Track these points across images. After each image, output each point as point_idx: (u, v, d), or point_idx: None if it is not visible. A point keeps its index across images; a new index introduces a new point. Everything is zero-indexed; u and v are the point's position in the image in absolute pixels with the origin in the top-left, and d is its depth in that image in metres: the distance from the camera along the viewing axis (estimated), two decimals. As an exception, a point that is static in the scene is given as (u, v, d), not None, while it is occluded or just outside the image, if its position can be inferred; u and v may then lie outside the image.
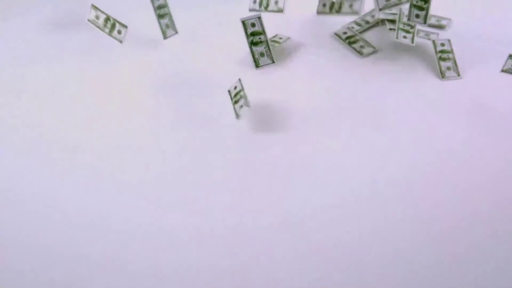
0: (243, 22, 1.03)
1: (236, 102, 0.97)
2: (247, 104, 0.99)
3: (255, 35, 1.05)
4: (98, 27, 1.02)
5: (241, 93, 0.98)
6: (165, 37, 1.08)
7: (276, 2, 1.09)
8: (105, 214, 0.91)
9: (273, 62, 1.06)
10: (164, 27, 1.06)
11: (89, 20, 1.03)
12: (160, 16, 1.05)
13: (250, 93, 1.01)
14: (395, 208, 0.91)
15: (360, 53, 1.10)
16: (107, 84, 1.08)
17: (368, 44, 1.11)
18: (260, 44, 1.06)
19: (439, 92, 1.05)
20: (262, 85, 1.07)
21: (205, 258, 0.86)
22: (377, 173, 0.95)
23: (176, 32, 1.08)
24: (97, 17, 1.02)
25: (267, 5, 1.08)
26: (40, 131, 1.01)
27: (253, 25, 1.03)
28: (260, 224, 0.90)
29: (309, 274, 0.85)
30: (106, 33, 1.03)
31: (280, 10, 1.08)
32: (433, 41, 1.08)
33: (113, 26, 1.04)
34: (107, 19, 1.03)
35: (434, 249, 0.87)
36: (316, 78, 1.09)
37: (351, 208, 0.91)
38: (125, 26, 1.05)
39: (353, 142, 0.99)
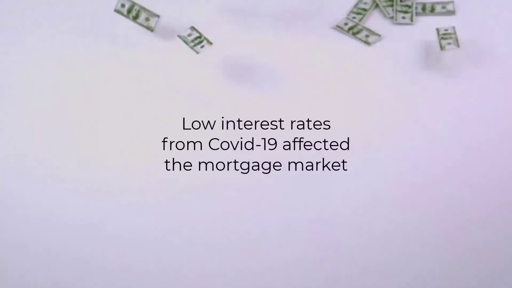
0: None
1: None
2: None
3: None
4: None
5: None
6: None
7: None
8: (105, 218, 0.91)
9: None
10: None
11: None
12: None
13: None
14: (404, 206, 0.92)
15: (366, 42, 1.10)
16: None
17: (372, 32, 1.12)
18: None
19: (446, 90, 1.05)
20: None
21: (205, 262, 0.86)
22: (383, 173, 0.95)
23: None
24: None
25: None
26: (34, 134, 1.01)
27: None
28: (263, 229, 0.90)
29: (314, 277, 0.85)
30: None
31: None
32: (437, 29, 1.08)
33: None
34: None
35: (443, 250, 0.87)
36: (325, 70, 1.08)
37: (355, 208, 0.91)
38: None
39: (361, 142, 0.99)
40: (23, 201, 0.93)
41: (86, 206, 0.92)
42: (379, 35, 1.12)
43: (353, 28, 1.13)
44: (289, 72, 1.08)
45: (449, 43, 1.07)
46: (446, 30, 1.09)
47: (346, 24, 1.14)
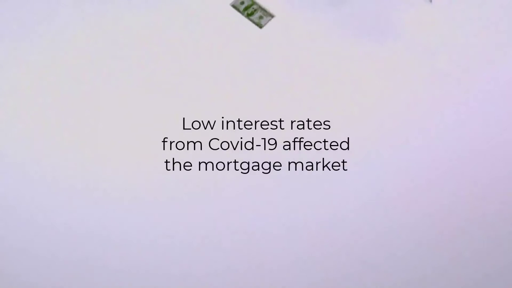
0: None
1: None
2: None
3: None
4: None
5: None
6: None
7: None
8: (106, 221, 0.91)
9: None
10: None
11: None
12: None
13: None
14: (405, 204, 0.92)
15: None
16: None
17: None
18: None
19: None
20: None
21: (204, 263, 0.87)
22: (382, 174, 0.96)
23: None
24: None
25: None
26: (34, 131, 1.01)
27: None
28: (263, 228, 0.90)
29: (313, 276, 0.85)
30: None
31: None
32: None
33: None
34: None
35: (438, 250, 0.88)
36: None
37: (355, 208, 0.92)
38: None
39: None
40: (22, 201, 0.93)
41: (86, 206, 0.92)
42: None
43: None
44: (289, 72, 1.08)
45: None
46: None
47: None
